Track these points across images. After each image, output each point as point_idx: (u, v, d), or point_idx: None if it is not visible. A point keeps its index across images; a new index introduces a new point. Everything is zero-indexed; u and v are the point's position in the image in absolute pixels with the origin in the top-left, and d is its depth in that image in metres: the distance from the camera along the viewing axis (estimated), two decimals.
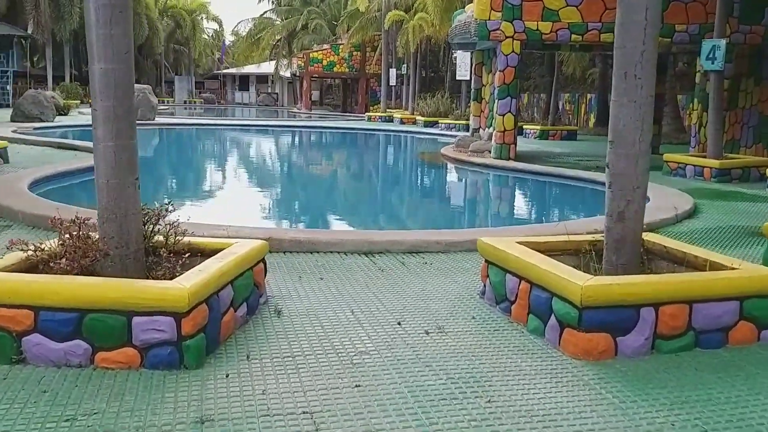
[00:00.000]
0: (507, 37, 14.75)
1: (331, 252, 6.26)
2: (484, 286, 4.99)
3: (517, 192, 14.59)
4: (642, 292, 3.94)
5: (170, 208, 4.44)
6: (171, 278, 3.80)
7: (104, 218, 3.94)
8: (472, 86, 19.10)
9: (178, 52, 61.73)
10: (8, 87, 38.41)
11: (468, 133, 19.84)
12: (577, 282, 3.88)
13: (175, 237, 4.31)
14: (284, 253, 6.18)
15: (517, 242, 4.86)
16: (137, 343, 3.52)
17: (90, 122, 4.00)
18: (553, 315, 4.09)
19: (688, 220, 8.54)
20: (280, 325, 4.31)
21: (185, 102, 57.27)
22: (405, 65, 37.27)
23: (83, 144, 15.41)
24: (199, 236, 4.68)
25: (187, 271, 3.88)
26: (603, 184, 4.67)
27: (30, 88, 40.26)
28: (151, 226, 4.28)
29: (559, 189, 13.77)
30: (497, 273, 4.76)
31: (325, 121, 35.41)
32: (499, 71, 15.16)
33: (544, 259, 4.42)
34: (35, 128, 21.72)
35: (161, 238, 4.28)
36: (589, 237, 5.02)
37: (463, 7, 19.69)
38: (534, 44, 16.20)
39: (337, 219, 11.19)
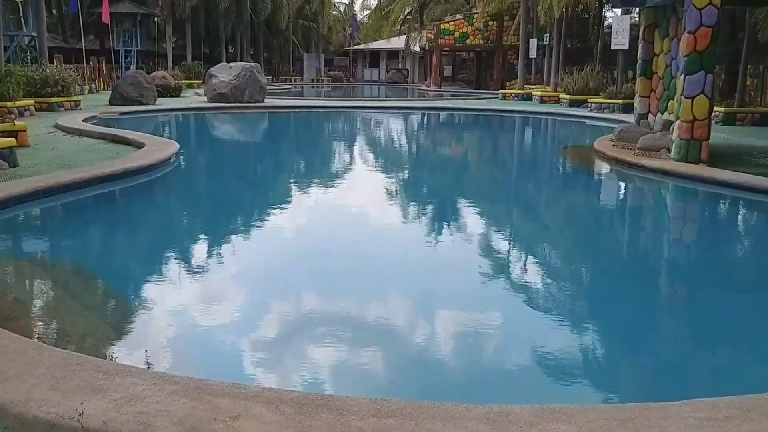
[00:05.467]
0: None
1: None
2: None
3: (724, 227, 8.58)
4: None
5: None
6: None
7: None
8: (639, 57, 14.23)
9: (307, 28, 59.45)
10: (132, 66, 37.62)
11: (631, 120, 15.11)
12: None
13: None
14: None
15: None
16: None
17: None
18: None
19: None
20: None
21: (312, 80, 55.06)
22: (547, 35, 32.08)
23: (136, 137, 12.49)
24: None
25: None
26: None
27: (157, 67, 39.41)
28: None
29: None
30: None
31: (449, 101, 31.11)
32: (688, 33, 10.46)
33: None
34: (122, 113, 19.47)
35: None
36: None
37: None
38: None
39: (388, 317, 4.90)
